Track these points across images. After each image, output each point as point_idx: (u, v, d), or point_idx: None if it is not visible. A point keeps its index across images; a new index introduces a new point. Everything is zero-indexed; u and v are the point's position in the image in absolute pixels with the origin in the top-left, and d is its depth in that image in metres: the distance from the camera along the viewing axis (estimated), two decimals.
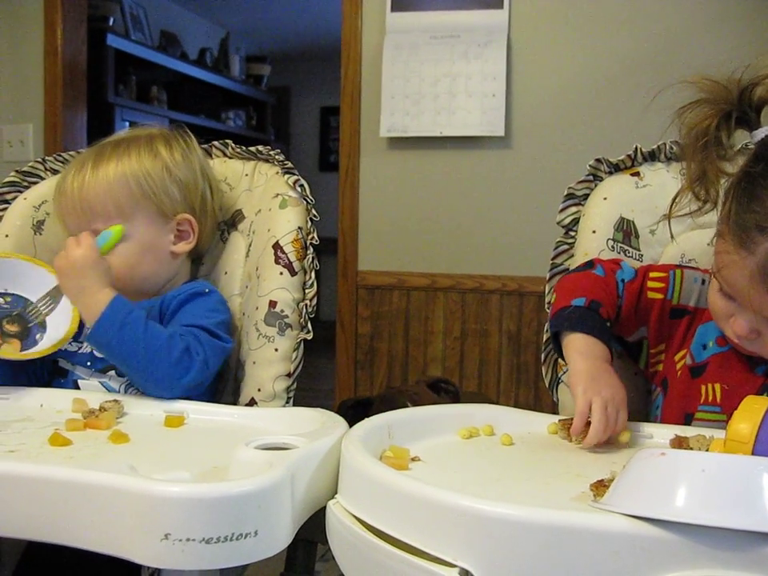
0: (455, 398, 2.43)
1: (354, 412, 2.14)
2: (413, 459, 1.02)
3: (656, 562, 0.70)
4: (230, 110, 6.14)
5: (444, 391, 2.47)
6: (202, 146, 1.58)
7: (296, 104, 7.43)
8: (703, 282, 1.23)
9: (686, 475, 0.71)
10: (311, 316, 1.38)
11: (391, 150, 2.87)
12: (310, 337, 1.38)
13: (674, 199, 1.18)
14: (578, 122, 2.67)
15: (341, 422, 1.09)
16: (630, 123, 2.52)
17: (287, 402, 1.35)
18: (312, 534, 1.00)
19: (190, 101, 5.48)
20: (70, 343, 1.35)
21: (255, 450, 0.94)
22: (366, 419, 1.05)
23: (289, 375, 1.36)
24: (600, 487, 0.88)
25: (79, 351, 1.37)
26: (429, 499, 0.77)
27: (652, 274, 1.25)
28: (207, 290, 1.40)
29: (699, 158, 1.11)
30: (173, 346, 1.25)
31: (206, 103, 5.70)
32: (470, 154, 2.81)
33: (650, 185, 1.38)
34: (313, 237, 1.40)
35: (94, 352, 1.33)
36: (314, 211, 1.41)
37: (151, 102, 4.92)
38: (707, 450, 0.97)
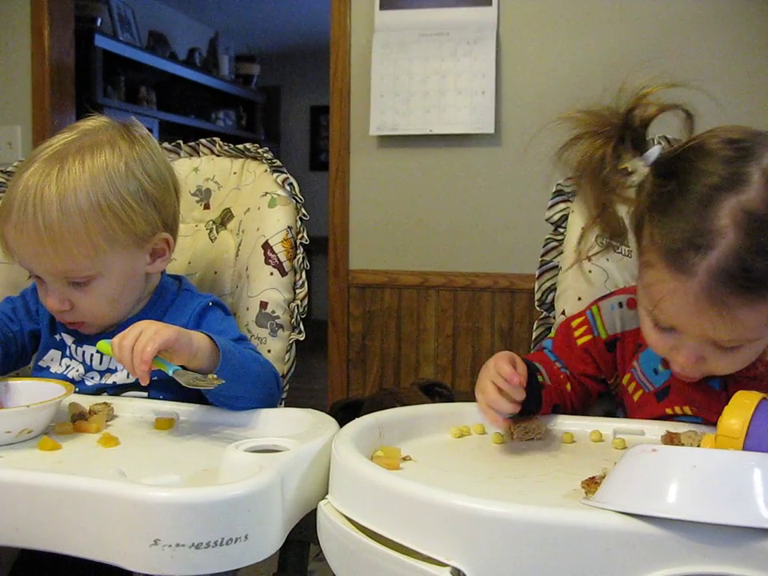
0: (449, 401, 2.43)
1: (344, 414, 2.13)
2: (404, 459, 1.01)
3: (648, 558, 0.69)
4: (219, 110, 6.13)
5: (438, 395, 2.46)
6: (189, 144, 1.58)
7: (286, 103, 7.40)
8: (620, 305, 1.23)
9: (678, 471, 0.71)
10: (302, 316, 1.38)
11: (381, 148, 2.86)
12: (302, 338, 1.37)
13: (579, 241, 1.15)
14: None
15: (331, 422, 1.08)
16: None
17: (280, 404, 1.34)
18: (305, 534, 1.00)
19: (180, 101, 5.46)
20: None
21: (245, 453, 0.93)
22: (357, 419, 1.05)
23: (282, 376, 1.36)
24: (591, 484, 0.88)
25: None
26: (420, 498, 0.77)
27: (573, 324, 1.27)
28: (211, 303, 1.32)
29: (599, 191, 1.07)
30: (260, 359, 1.25)
31: (196, 103, 5.69)
32: (460, 151, 2.80)
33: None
34: (303, 236, 1.40)
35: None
36: (303, 210, 1.41)
37: (140, 103, 4.91)
38: (698, 446, 0.97)
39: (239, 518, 0.81)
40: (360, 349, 2.93)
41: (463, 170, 2.79)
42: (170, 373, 1.07)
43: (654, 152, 1.04)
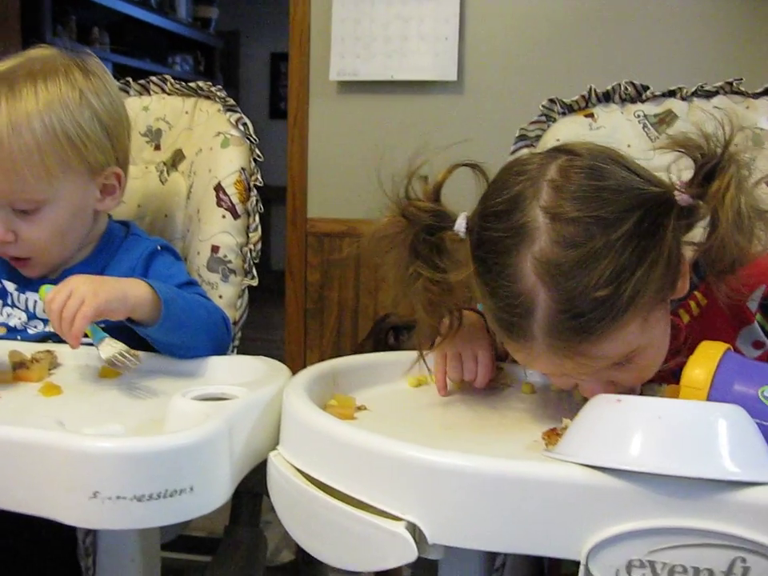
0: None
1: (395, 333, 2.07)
2: (359, 408, 0.98)
3: (611, 512, 0.66)
4: (176, 55, 5.97)
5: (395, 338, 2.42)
6: (139, 82, 1.51)
7: (245, 49, 7.24)
8: None
9: (643, 422, 0.68)
10: (256, 261, 1.33)
11: (341, 94, 2.79)
12: (255, 283, 1.33)
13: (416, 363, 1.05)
14: (533, 66, 2.61)
15: (284, 370, 1.04)
16: (585, 66, 2.48)
17: (232, 351, 1.30)
18: (257, 486, 0.96)
19: (134, 44, 5.29)
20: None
21: (192, 401, 0.89)
22: (310, 366, 1.01)
23: (234, 323, 1.31)
24: (552, 436, 0.85)
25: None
26: (374, 450, 0.73)
27: None
28: (159, 247, 1.28)
29: (418, 287, 0.96)
30: (207, 305, 1.20)
31: (152, 47, 5.52)
32: (422, 98, 2.74)
33: (604, 127, 1.34)
34: (256, 178, 1.35)
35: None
36: (257, 151, 1.35)
37: (92, 45, 4.73)
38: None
39: (184, 469, 0.77)
40: (318, 299, 2.89)
41: (425, 118, 2.73)
42: (95, 343, 1.04)
43: (460, 224, 0.95)
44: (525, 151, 1.34)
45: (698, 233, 0.92)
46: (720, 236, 0.87)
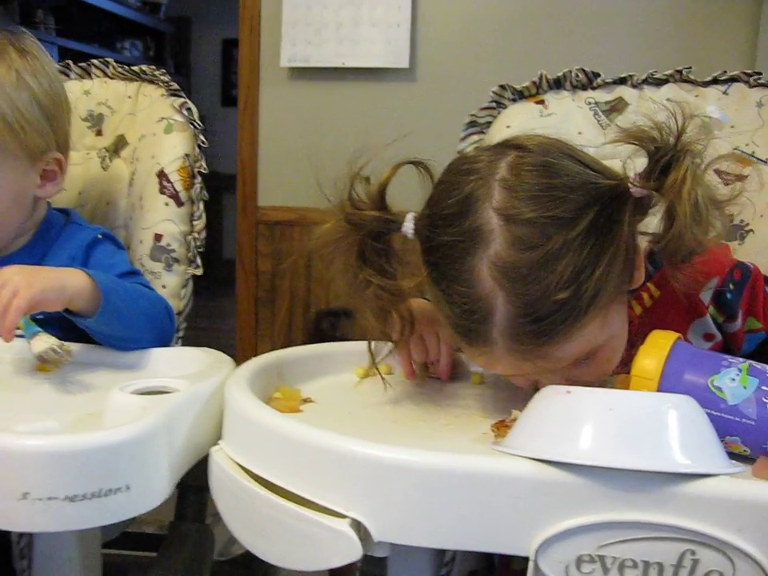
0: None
1: (332, 319, 2.04)
2: (304, 401, 0.96)
3: (560, 506, 0.65)
4: (125, 40, 5.86)
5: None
6: (80, 64, 1.46)
7: (197, 35, 7.12)
8: None
9: (593, 415, 0.66)
10: (200, 250, 1.29)
11: (292, 81, 2.76)
12: (199, 272, 1.29)
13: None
14: (486, 53, 2.60)
15: (227, 362, 1.01)
16: (538, 52, 2.47)
17: (176, 343, 1.27)
18: (203, 480, 0.93)
19: (81, 27, 5.17)
20: None
21: (130, 395, 0.86)
22: (255, 357, 0.98)
23: (178, 314, 1.28)
24: (501, 427, 0.84)
25: None
26: (317, 445, 0.71)
27: None
28: (100, 236, 1.23)
29: (369, 295, 0.91)
30: (149, 295, 1.16)
31: (99, 31, 5.41)
32: (374, 86, 2.72)
33: (555, 113, 1.32)
34: (201, 165, 1.31)
35: None
36: (202, 137, 1.32)
37: (36, 27, 4.60)
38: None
39: (119, 467, 0.74)
40: (269, 288, 2.85)
41: (377, 106, 2.71)
42: (27, 337, 0.99)
43: (408, 226, 0.91)
44: (474, 138, 1.32)
45: (651, 220, 0.91)
46: (678, 230, 0.85)
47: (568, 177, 0.84)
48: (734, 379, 0.79)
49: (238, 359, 1.01)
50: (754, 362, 0.81)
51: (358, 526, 0.68)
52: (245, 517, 0.76)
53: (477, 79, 2.59)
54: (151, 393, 0.89)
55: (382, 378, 0.98)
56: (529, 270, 0.80)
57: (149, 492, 0.78)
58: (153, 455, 0.78)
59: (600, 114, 1.32)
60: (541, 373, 0.87)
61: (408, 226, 0.91)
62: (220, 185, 6.32)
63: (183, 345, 1.26)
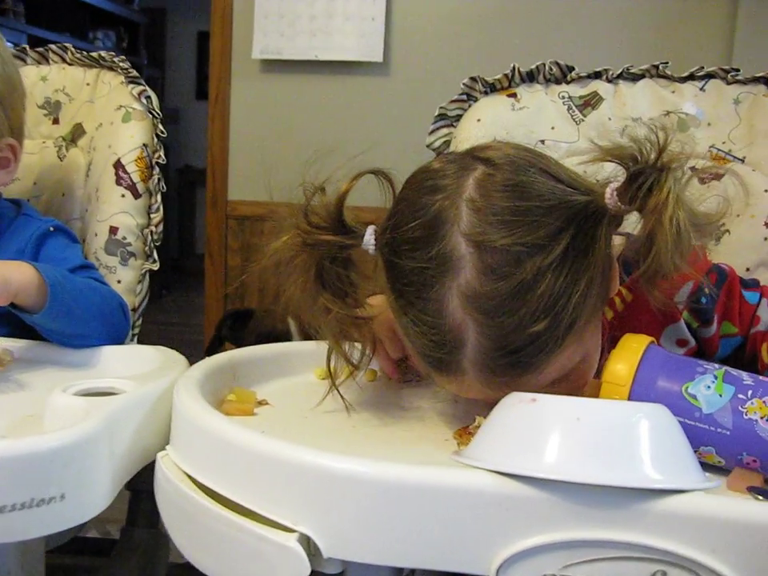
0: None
1: (233, 322, 2.00)
2: (260, 403, 0.91)
3: (523, 523, 0.60)
4: (98, 30, 5.76)
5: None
6: (37, 49, 1.41)
7: (172, 27, 7.04)
8: None
9: (560, 425, 0.62)
10: (157, 244, 1.24)
11: (264, 73, 2.72)
12: (156, 267, 1.24)
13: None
14: (460, 48, 2.56)
15: (181, 361, 0.96)
16: (512, 46, 2.44)
17: (132, 340, 1.22)
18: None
19: (53, 16, 5.08)
20: None
21: (72, 397, 0.81)
22: (208, 357, 0.93)
23: (133, 310, 1.23)
24: (464, 434, 0.80)
25: None
26: (264, 453, 0.66)
27: None
28: (52, 228, 1.18)
29: (331, 322, 0.86)
30: (102, 290, 1.11)
31: (71, 20, 5.31)
32: (347, 79, 2.69)
33: (527, 107, 1.28)
34: (159, 155, 1.26)
35: None
36: (160, 126, 1.26)
37: (5, 14, 4.51)
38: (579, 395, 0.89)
39: (53, 475, 0.69)
40: (239, 284, 2.80)
41: (349, 99, 2.67)
42: None
43: (368, 241, 0.84)
44: (444, 132, 1.28)
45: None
46: (657, 257, 0.79)
47: (541, 197, 0.78)
48: (709, 387, 0.75)
49: (207, 355, 0.96)
50: (729, 369, 0.77)
51: (306, 542, 0.63)
52: (188, 528, 0.71)
53: (451, 74, 2.53)
54: (96, 394, 0.84)
55: (342, 398, 0.90)
56: (502, 300, 0.74)
57: (86, 501, 0.73)
58: (91, 462, 0.72)
59: (574, 108, 1.28)
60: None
61: (369, 241, 0.85)
62: (194, 179, 6.26)
63: (150, 340, 1.20)
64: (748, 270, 1.17)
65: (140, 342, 1.24)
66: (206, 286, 2.87)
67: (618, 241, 0.88)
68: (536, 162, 0.82)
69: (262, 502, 0.66)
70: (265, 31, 2.64)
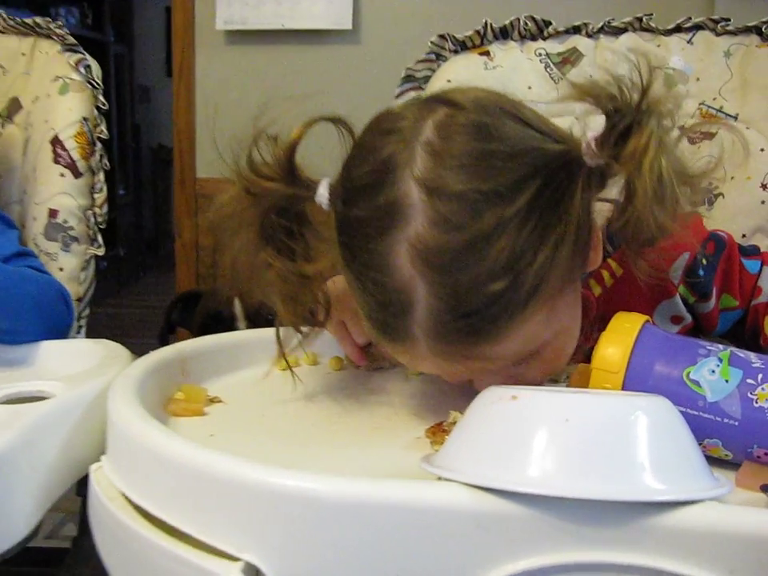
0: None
1: (183, 306, 1.90)
2: (211, 401, 0.82)
3: (505, 546, 0.51)
4: (60, 5, 5.58)
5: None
6: None
7: (139, 3, 6.87)
8: None
9: (546, 428, 0.52)
10: (102, 226, 1.14)
11: (229, 45, 2.62)
12: (101, 252, 1.14)
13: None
14: (432, 14, 2.46)
15: (123, 356, 0.87)
16: (486, 8, 2.33)
17: (77, 332, 1.11)
18: None
19: None
20: None
21: None
22: (153, 351, 0.83)
23: (78, 300, 1.13)
24: (438, 432, 0.71)
25: None
26: (203, 469, 0.56)
27: None
28: None
29: (270, 279, 0.77)
30: (38, 279, 1.01)
31: None
32: (315, 49, 2.59)
33: (501, 66, 1.19)
34: (101, 130, 1.15)
35: None
36: (101, 98, 1.15)
37: None
38: (566, 383, 0.80)
39: None
40: (210, 264, 2.70)
41: (318, 69, 2.56)
42: None
43: (322, 194, 0.75)
44: (412, 95, 1.18)
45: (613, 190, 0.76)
46: (636, 211, 0.69)
47: (508, 141, 0.68)
48: (713, 371, 0.66)
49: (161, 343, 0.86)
50: (736, 350, 0.68)
51: (253, 571, 0.54)
52: (120, 555, 0.62)
53: (423, 41, 2.44)
54: (21, 400, 0.74)
55: (292, 373, 0.83)
56: (455, 255, 0.65)
57: (4, 525, 0.63)
58: (7, 480, 0.63)
59: (552, 66, 1.18)
60: (474, 374, 0.74)
61: (322, 195, 0.75)
62: (168, 158, 6.12)
63: (129, 324, 1.11)
64: (744, 236, 1.08)
65: (116, 326, 1.16)
66: (177, 268, 2.77)
67: (604, 209, 0.78)
68: (507, 105, 0.72)
69: (201, 525, 0.56)
70: (228, 1, 2.54)
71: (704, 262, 0.85)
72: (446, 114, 0.70)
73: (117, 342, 0.92)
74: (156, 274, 5.91)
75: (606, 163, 0.70)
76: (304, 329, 0.83)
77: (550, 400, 0.55)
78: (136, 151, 6.34)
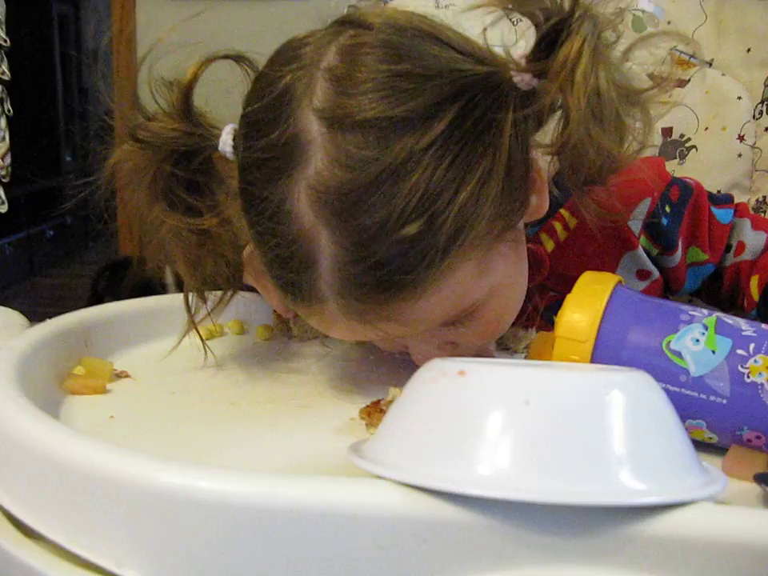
0: None
1: (110, 274, 1.78)
2: (118, 376, 0.71)
3: (450, 560, 0.40)
4: None
5: None
6: None
7: None
8: None
9: (501, 413, 0.41)
10: (5, 181, 1.01)
11: (172, 1, 2.51)
12: (3, 210, 1.01)
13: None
14: None
15: (15, 325, 0.74)
16: None
17: None
18: None
19: None
20: None
21: None
22: (50, 320, 0.72)
23: None
24: (374, 413, 0.61)
25: None
26: (76, 464, 0.45)
27: None
28: None
29: (170, 239, 0.70)
30: None
31: None
32: (267, 5, 2.49)
33: (454, 5, 1.07)
34: (2, 70, 1.02)
35: None
36: (2, 34, 1.02)
37: None
38: (525, 354, 0.70)
39: None
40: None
41: (271, 28, 2.46)
42: None
43: (225, 142, 0.66)
44: None
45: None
46: (573, 132, 0.60)
47: (421, 61, 0.58)
48: (698, 340, 0.56)
49: None
50: (722, 315, 0.59)
51: None
52: None
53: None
54: None
55: (204, 345, 0.73)
56: (360, 195, 0.56)
57: None
58: None
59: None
60: (402, 341, 0.64)
61: (226, 142, 0.65)
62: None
63: (76, 295, 1.00)
64: (719, 192, 0.99)
65: (62, 296, 1.04)
66: (119, 234, 2.65)
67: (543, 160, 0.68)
68: (425, 26, 0.62)
69: (76, 534, 0.45)
70: None
71: (667, 209, 0.77)
72: (352, 35, 0.60)
73: (62, 312, 0.81)
74: (106, 244, 5.76)
75: (542, 87, 0.60)
76: (210, 294, 0.73)
77: (507, 377, 0.44)
78: (83, 116, 6.15)
